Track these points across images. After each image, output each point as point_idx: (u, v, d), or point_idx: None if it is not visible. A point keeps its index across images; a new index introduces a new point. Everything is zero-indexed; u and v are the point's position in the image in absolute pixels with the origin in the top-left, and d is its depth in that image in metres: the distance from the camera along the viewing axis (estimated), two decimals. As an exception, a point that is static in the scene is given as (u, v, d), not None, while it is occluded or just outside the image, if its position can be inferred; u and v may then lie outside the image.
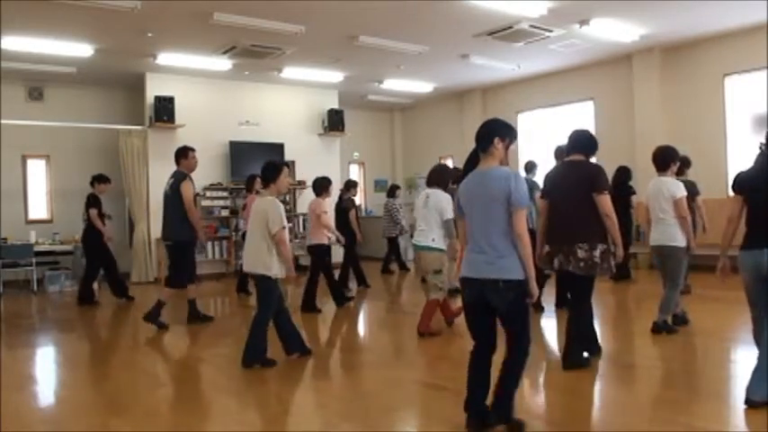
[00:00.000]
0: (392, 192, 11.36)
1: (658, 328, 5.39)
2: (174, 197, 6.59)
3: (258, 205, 4.93)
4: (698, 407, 3.74)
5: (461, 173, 3.41)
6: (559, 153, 6.35)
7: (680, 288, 5.47)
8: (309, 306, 7.34)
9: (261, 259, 4.80)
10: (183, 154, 6.75)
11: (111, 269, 8.68)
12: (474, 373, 3.29)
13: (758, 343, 3.68)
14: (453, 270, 5.82)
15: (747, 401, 3.50)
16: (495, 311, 3.18)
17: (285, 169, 4.92)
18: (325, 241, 7.47)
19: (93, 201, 8.45)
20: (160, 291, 6.82)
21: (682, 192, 5.30)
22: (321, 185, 7.55)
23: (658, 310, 5.42)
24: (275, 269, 4.81)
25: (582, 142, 4.62)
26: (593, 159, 4.72)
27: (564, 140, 4.89)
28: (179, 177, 6.64)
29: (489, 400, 3.25)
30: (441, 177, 5.92)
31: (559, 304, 6.61)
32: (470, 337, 3.33)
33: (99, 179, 8.64)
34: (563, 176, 4.60)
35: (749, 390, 3.52)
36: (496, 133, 3.24)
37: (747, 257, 3.62)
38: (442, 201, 5.69)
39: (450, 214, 5.59)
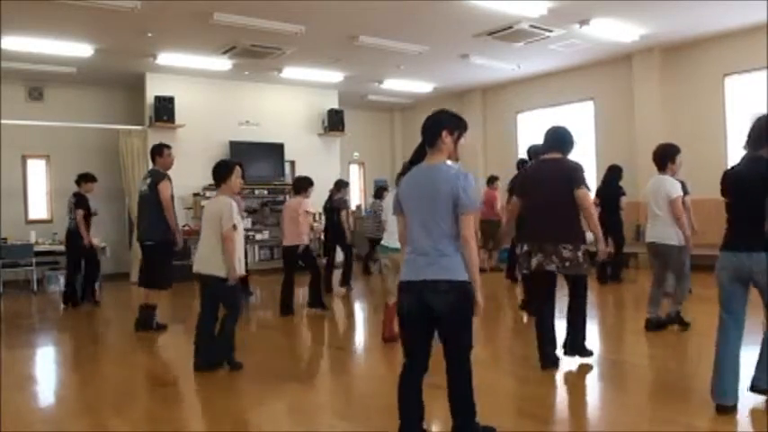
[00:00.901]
0: (379, 193, 11.16)
1: (671, 320, 5.53)
2: (153, 196, 6.34)
3: (212, 205, 4.89)
4: (698, 407, 3.73)
5: (405, 168, 3.20)
6: (534, 152, 6.34)
7: (686, 280, 5.54)
8: (317, 303, 7.34)
9: (214, 261, 4.68)
10: (159, 152, 6.58)
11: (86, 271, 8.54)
12: (407, 396, 3.01)
13: (718, 349, 3.61)
14: None
15: (752, 388, 3.57)
16: (433, 322, 2.93)
17: (237, 168, 4.86)
18: (306, 241, 7.28)
19: (80, 201, 8.24)
20: (146, 297, 6.57)
21: (677, 192, 5.36)
22: (304, 185, 7.40)
23: (671, 303, 5.59)
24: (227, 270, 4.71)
25: (558, 140, 4.56)
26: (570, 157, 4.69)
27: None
28: (158, 176, 6.41)
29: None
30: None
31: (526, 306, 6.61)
32: (403, 354, 3.06)
33: (86, 178, 8.46)
34: (542, 174, 4.53)
35: (754, 379, 3.58)
36: (444, 125, 2.97)
37: (731, 258, 3.48)
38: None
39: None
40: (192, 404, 4.19)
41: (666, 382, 4.32)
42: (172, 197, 6.47)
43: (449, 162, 3.01)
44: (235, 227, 4.69)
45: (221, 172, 4.84)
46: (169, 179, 6.48)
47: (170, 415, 3.95)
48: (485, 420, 3.13)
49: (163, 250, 6.43)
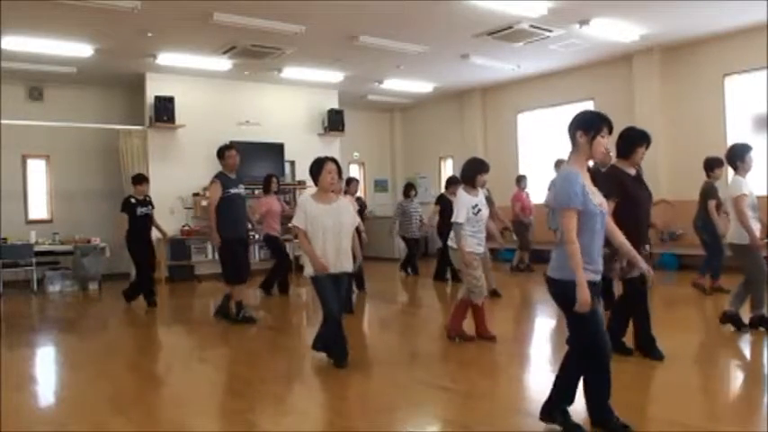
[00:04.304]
0: (407, 192, 10.80)
1: (752, 324, 5.39)
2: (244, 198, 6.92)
3: None
4: (698, 406, 3.73)
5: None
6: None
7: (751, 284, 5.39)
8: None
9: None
10: (221, 155, 6.88)
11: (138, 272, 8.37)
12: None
13: None
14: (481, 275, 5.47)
15: None
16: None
17: (327, 164, 4.75)
18: None
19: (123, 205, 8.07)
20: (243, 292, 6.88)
21: (739, 190, 5.36)
22: None
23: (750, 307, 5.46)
24: (308, 268, 4.72)
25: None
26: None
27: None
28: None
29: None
30: (462, 175, 5.60)
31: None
32: None
33: (134, 180, 8.22)
34: (638, 178, 4.60)
35: None
36: (577, 126, 3.09)
37: None
38: (455, 202, 5.49)
39: (456, 216, 5.30)
40: (192, 404, 4.18)
41: (667, 382, 4.31)
42: (219, 199, 6.67)
43: (590, 163, 3.18)
44: (295, 225, 4.71)
45: (312, 170, 4.81)
46: (219, 179, 6.75)
47: (170, 415, 3.95)
48: (479, 422, 3.12)
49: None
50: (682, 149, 9.98)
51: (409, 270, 10.88)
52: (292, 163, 12.30)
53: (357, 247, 5.03)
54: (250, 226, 7.45)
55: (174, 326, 6.81)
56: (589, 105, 11.48)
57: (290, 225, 4.79)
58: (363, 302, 8.22)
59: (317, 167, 4.76)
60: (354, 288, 8.30)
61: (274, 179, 8.95)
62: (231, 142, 11.24)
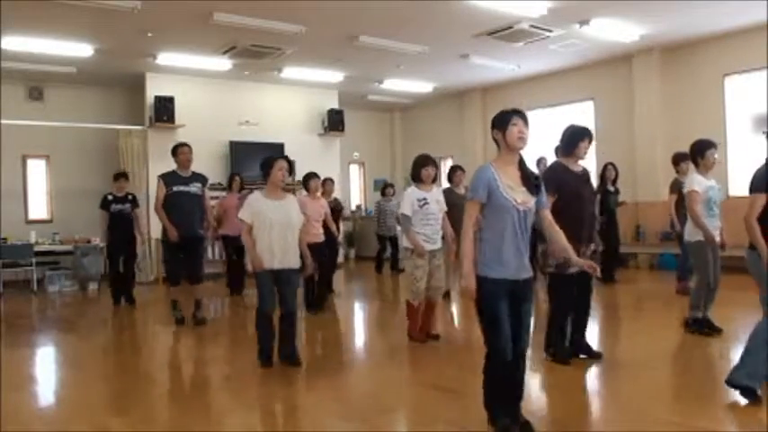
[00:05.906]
0: (384, 191, 11.25)
1: (685, 324, 5.44)
2: (202, 196, 6.82)
3: None
4: (696, 407, 3.73)
5: None
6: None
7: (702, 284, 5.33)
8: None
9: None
10: (173, 151, 6.82)
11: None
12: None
13: None
14: (441, 271, 5.48)
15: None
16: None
17: (277, 162, 4.85)
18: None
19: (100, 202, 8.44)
20: (196, 290, 6.85)
21: (689, 186, 5.40)
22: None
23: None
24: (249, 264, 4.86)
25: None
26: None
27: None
28: (204, 180, 6.90)
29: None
30: (411, 172, 5.62)
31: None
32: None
33: (114, 177, 8.61)
34: (583, 176, 4.63)
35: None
36: (492, 126, 3.29)
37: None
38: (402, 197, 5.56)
39: (401, 208, 5.40)
40: (191, 404, 4.19)
41: (665, 383, 4.32)
42: (164, 196, 6.66)
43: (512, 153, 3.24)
44: (242, 219, 4.80)
45: (264, 167, 4.91)
46: (163, 178, 6.72)
47: (170, 415, 3.95)
48: (477, 422, 3.12)
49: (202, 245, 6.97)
50: (681, 149, 9.97)
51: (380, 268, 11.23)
52: (292, 163, 12.28)
53: (305, 246, 4.99)
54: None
55: (173, 326, 6.79)
56: (589, 105, 11.50)
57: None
58: (342, 303, 8.24)
59: (269, 164, 4.86)
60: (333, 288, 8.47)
61: (237, 178, 9.04)
62: (231, 142, 11.40)
